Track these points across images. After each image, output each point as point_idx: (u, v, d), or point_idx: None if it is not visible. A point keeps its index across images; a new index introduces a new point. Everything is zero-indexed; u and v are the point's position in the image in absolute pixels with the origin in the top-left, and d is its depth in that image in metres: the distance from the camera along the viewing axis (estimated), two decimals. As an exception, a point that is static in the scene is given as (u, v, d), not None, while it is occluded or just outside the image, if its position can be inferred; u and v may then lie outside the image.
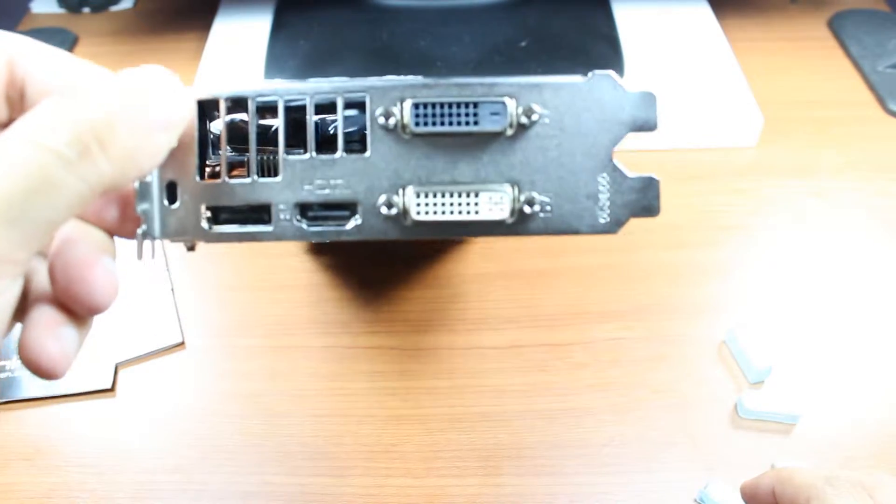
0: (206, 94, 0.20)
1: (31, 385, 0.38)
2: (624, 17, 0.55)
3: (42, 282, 0.20)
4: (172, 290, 0.42)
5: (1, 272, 0.16)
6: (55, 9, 0.63)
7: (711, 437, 0.35)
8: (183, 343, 0.40)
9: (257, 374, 0.39)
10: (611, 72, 0.19)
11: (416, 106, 0.19)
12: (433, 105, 0.19)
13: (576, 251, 0.43)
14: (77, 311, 0.20)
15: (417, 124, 0.20)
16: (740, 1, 0.61)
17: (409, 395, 0.37)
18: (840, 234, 0.44)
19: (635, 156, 0.49)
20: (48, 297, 0.20)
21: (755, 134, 0.49)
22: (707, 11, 0.57)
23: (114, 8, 0.63)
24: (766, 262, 0.43)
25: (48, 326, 0.19)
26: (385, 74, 0.20)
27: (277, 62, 0.53)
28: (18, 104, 0.20)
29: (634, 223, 0.47)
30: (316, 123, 0.20)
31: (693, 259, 0.43)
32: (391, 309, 0.41)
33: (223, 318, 0.41)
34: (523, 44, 0.53)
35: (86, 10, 0.62)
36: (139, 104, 0.18)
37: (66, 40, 0.60)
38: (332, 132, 0.20)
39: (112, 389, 0.38)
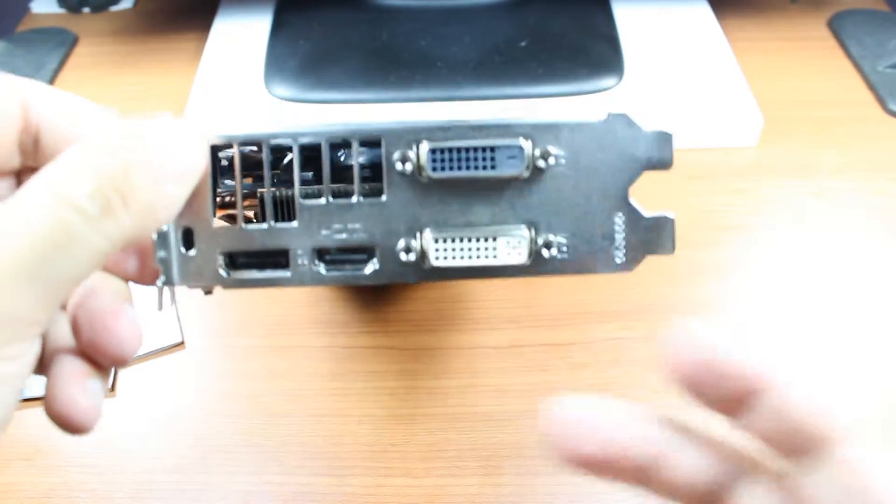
0: (219, 140, 0.20)
1: (32, 385, 0.38)
2: (624, 17, 0.55)
3: (60, 332, 0.20)
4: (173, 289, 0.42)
5: (22, 334, 0.16)
6: (55, 9, 0.63)
7: (711, 437, 0.35)
8: (183, 343, 0.40)
9: (257, 374, 0.39)
10: (627, 111, 0.19)
11: (432, 151, 0.19)
12: (450, 150, 0.19)
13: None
14: (102, 361, 0.20)
15: (434, 169, 0.19)
16: (740, 1, 0.61)
17: (409, 395, 0.37)
18: (840, 234, 0.44)
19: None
20: (69, 348, 0.20)
21: (755, 134, 0.49)
22: (707, 11, 0.57)
23: (114, 8, 0.63)
24: (766, 262, 0.43)
25: (76, 379, 0.19)
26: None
27: (277, 62, 0.53)
28: (32, 151, 0.20)
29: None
30: (331, 159, 0.20)
31: (693, 259, 0.43)
32: (391, 309, 0.41)
33: (223, 318, 0.41)
34: (523, 44, 0.53)
35: (86, 10, 0.62)
36: (157, 156, 0.17)
37: (66, 40, 0.60)
38: (345, 162, 0.20)
39: (112, 389, 0.38)
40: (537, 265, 0.20)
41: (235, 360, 0.39)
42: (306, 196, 0.20)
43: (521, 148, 0.19)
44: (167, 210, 0.18)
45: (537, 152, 0.19)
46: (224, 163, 0.21)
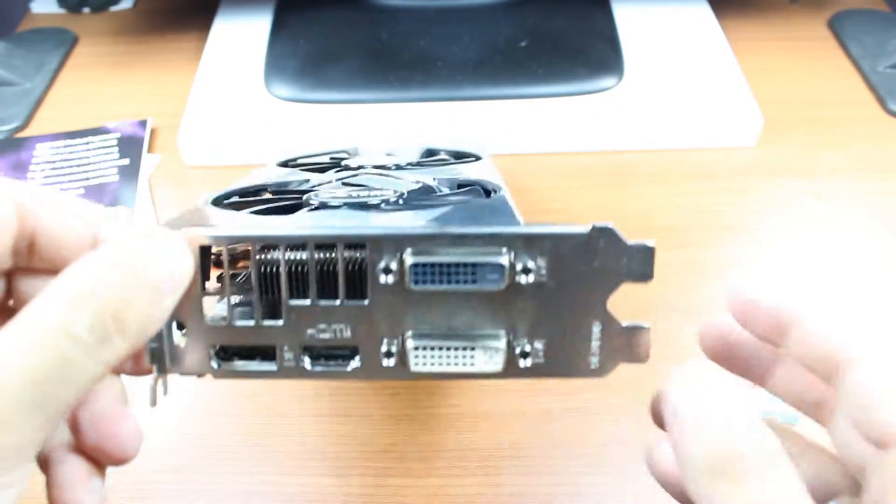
0: (207, 241, 0.20)
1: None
2: (624, 17, 0.55)
3: (56, 434, 0.21)
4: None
5: (22, 457, 0.16)
6: (55, 9, 0.63)
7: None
8: (183, 343, 0.40)
9: (257, 374, 0.39)
10: (610, 224, 0.19)
11: (415, 265, 0.19)
12: (432, 265, 0.20)
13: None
14: (104, 462, 0.21)
15: (416, 283, 0.20)
16: (740, 1, 0.61)
17: (409, 395, 0.37)
18: (840, 234, 0.44)
19: (636, 156, 0.49)
20: (67, 447, 0.21)
21: (755, 134, 0.49)
22: (707, 11, 0.57)
23: (114, 8, 0.63)
24: (766, 262, 0.43)
25: (81, 482, 0.20)
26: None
27: (277, 62, 0.53)
28: (26, 254, 0.20)
29: (634, 222, 0.47)
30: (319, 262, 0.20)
31: (693, 259, 0.43)
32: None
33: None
34: (523, 44, 0.53)
35: (86, 10, 0.62)
36: (153, 277, 0.18)
37: (66, 40, 0.60)
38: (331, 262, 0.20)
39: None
40: (512, 371, 0.21)
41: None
42: (292, 294, 0.21)
43: (501, 266, 0.19)
44: (160, 322, 0.19)
45: (518, 266, 0.20)
46: (212, 257, 0.21)
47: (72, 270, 0.17)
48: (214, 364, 0.21)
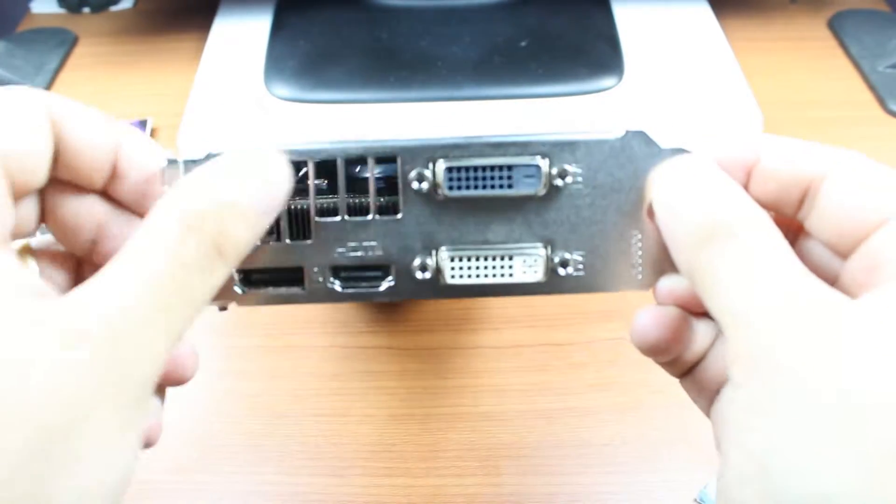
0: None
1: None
2: (624, 17, 0.55)
3: None
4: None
5: (151, 386, 0.17)
6: (55, 9, 0.63)
7: (712, 437, 0.35)
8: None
9: (257, 374, 0.39)
10: (644, 128, 0.19)
11: (449, 170, 0.19)
12: (466, 168, 0.19)
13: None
14: (163, 383, 0.21)
15: (451, 188, 0.19)
16: (740, 1, 0.61)
17: (409, 395, 0.37)
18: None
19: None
20: None
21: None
22: (707, 11, 0.57)
23: (114, 8, 0.63)
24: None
25: None
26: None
27: (277, 62, 0.53)
28: (54, 167, 0.20)
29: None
30: (346, 174, 0.20)
31: (693, 259, 0.43)
32: (391, 309, 0.41)
33: (223, 317, 0.41)
34: (523, 44, 0.53)
35: (86, 10, 0.61)
36: (248, 204, 0.18)
37: (66, 40, 0.60)
38: (360, 174, 0.20)
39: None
40: (553, 283, 0.20)
41: (235, 360, 0.39)
42: (322, 211, 0.20)
43: (538, 167, 0.19)
44: (254, 243, 0.18)
45: (554, 171, 0.19)
46: None
47: (171, 199, 0.17)
48: (238, 289, 0.20)
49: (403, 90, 0.51)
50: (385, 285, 0.20)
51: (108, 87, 0.56)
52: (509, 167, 0.19)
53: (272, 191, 0.18)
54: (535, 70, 0.51)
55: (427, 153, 0.19)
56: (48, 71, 0.57)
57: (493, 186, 0.19)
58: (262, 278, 0.21)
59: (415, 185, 0.19)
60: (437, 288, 0.20)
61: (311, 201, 0.20)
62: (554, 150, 0.19)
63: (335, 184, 0.20)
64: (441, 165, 0.19)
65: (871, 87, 0.53)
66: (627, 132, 0.19)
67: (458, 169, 0.19)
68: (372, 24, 0.55)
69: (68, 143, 0.19)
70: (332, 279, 0.20)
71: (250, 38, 0.56)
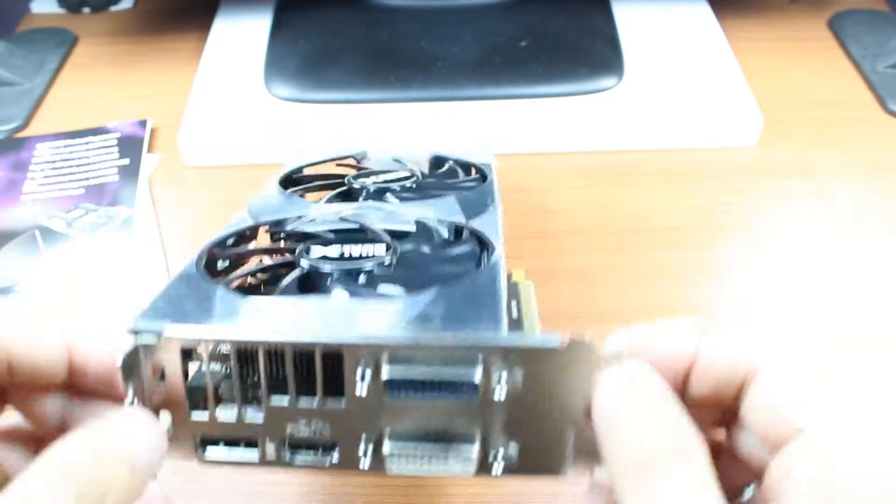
0: (188, 344, 0.20)
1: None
2: (624, 17, 0.56)
3: None
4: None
5: None
6: (55, 9, 0.63)
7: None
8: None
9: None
10: (586, 337, 0.20)
11: (391, 381, 0.20)
12: (408, 381, 0.20)
13: (575, 251, 0.43)
14: None
15: (393, 396, 0.20)
16: (740, 1, 0.61)
17: (409, 395, 0.37)
18: (840, 234, 0.44)
19: (635, 156, 0.49)
20: None
21: (755, 134, 0.49)
22: (707, 11, 0.57)
23: (114, 8, 0.63)
24: (766, 262, 0.43)
25: None
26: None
27: (277, 62, 0.53)
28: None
29: (634, 222, 0.47)
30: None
31: (693, 259, 0.43)
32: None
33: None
34: (523, 44, 0.53)
35: (86, 10, 0.62)
36: (128, 463, 0.19)
37: (66, 40, 0.60)
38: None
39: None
40: (486, 471, 0.21)
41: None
42: (273, 387, 0.21)
43: (475, 385, 0.20)
44: (140, 492, 0.19)
45: (494, 379, 0.20)
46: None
47: (47, 461, 0.18)
48: (199, 453, 0.22)
49: (403, 90, 0.51)
50: (333, 459, 0.22)
51: (107, 87, 0.56)
52: (449, 383, 0.20)
53: (149, 449, 0.20)
54: (535, 70, 0.51)
55: (370, 354, 0.20)
56: (48, 71, 0.57)
57: (432, 396, 0.20)
58: (222, 442, 0.22)
59: (358, 388, 0.20)
60: (380, 468, 0.21)
61: (263, 386, 0.21)
62: (497, 356, 0.20)
63: (284, 367, 0.21)
64: (383, 374, 0.20)
65: (871, 87, 0.53)
66: (571, 341, 0.20)
67: (400, 381, 0.20)
68: (372, 24, 0.55)
69: (19, 363, 0.21)
70: (284, 450, 0.22)
71: (250, 38, 0.56)
